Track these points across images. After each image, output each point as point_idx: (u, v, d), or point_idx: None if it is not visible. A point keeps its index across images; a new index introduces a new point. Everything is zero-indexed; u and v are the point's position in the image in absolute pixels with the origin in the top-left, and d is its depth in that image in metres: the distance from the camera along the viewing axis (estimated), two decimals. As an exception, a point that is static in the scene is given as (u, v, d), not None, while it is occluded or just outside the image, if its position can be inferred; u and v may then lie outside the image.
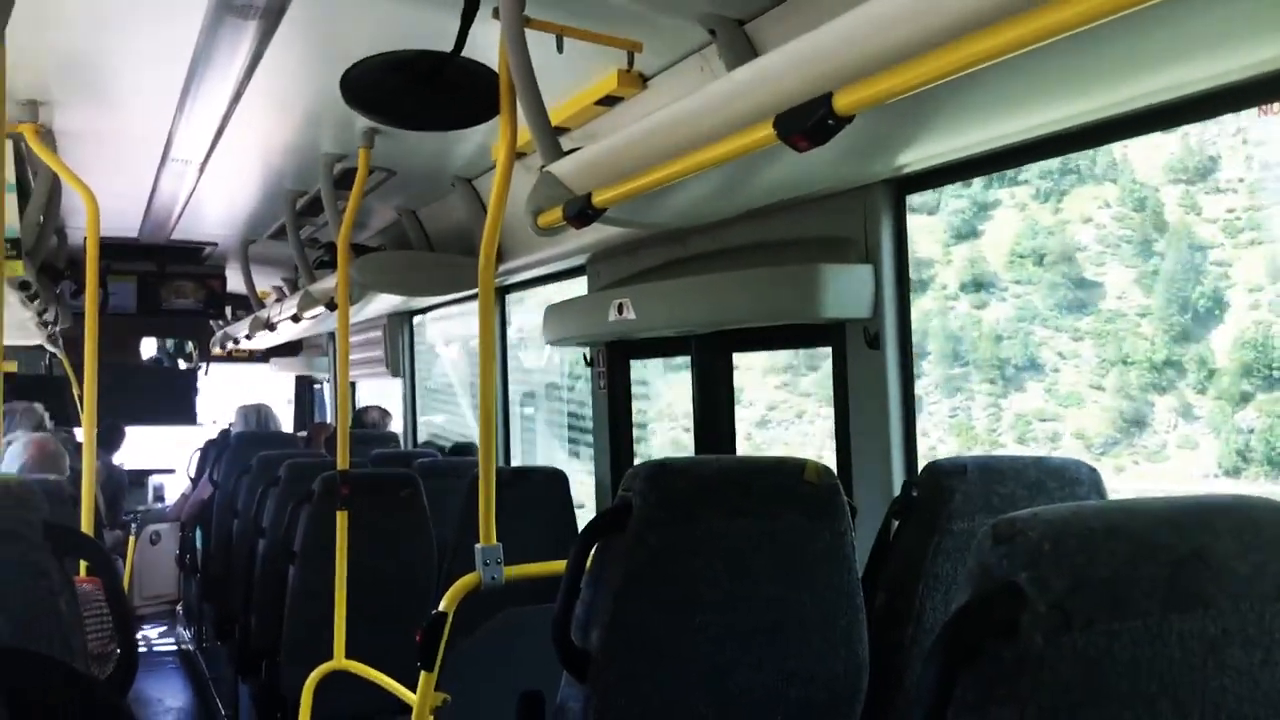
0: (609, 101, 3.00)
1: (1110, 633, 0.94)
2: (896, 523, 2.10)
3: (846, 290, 2.69)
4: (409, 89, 2.98)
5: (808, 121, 1.62)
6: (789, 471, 1.89)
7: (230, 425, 7.36)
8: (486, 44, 2.62)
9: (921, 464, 2.21)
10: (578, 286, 4.54)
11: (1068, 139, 2.18)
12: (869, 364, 2.76)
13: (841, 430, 2.87)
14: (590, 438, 5.68)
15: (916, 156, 2.29)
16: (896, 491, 2.28)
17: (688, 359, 3.64)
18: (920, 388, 2.87)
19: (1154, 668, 0.95)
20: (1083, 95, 1.75)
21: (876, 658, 1.94)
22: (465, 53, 2.70)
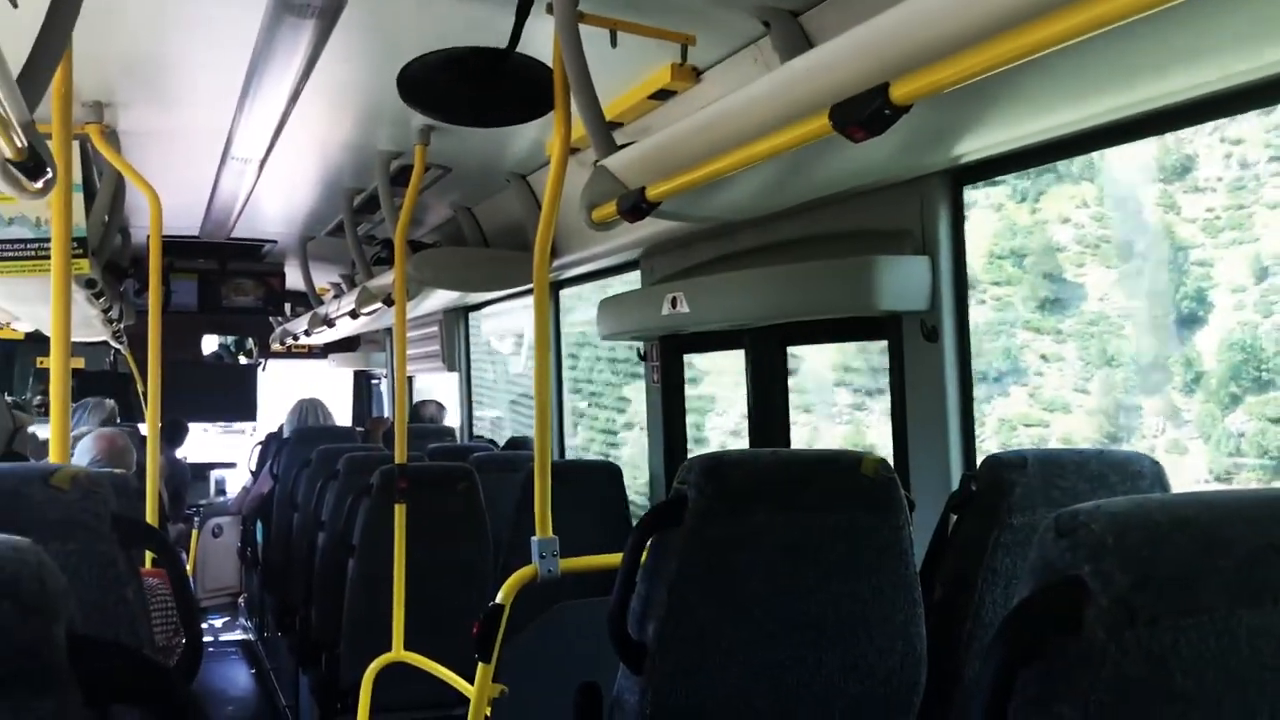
0: (662, 95, 2.99)
1: (1176, 628, 0.92)
2: (955, 516, 2.08)
3: (903, 282, 2.67)
4: (464, 86, 3.00)
5: (864, 112, 1.60)
6: (846, 465, 1.88)
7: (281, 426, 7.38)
8: (541, 40, 2.63)
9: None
10: (617, 285, 4.58)
11: (1129, 127, 2.14)
12: (926, 357, 2.73)
13: (899, 424, 2.85)
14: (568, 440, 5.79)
15: (974, 147, 2.26)
16: (954, 485, 2.26)
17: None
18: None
19: (1221, 665, 0.93)
20: (1146, 83, 1.72)
21: (935, 652, 1.93)
22: (520, 48, 2.72)
